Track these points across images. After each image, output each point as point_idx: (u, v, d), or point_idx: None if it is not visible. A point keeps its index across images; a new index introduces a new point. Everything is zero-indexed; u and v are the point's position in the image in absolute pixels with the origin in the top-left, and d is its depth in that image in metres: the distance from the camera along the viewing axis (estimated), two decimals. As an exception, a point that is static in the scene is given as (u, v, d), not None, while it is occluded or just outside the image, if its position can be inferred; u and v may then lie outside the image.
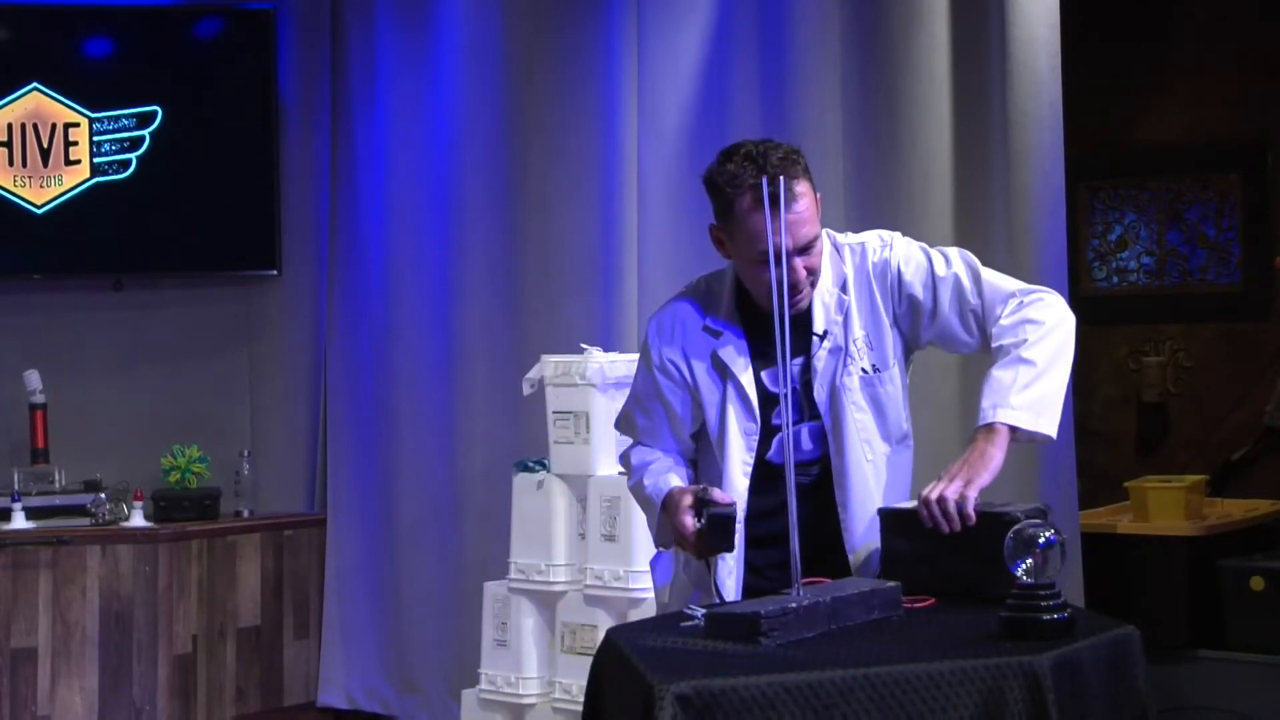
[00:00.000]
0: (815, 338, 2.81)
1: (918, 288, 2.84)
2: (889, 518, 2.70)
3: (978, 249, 4.31)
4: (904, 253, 2.87)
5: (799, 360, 2.81)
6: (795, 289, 2.71)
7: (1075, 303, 4.47)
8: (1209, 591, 4.34)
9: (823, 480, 2.83)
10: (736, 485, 2.80)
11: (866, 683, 2.11)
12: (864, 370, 2.83)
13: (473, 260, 5.07)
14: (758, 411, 2.80)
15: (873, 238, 2.91)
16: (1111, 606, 3.43)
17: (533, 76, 4.91)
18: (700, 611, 2.48)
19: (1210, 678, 4.24)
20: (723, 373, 2.81)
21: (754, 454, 2.81)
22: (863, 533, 2.79)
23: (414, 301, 5.20)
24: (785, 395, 2.55)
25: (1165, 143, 5.04)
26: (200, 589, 5.00)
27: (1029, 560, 2.30)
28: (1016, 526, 2.35)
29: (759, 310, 2.79)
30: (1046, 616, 2.26)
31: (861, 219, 4.39)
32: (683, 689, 2.08)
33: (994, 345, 2.77)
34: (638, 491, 2.90)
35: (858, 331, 2.84)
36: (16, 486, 5.02)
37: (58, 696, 4.82)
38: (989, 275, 2.84)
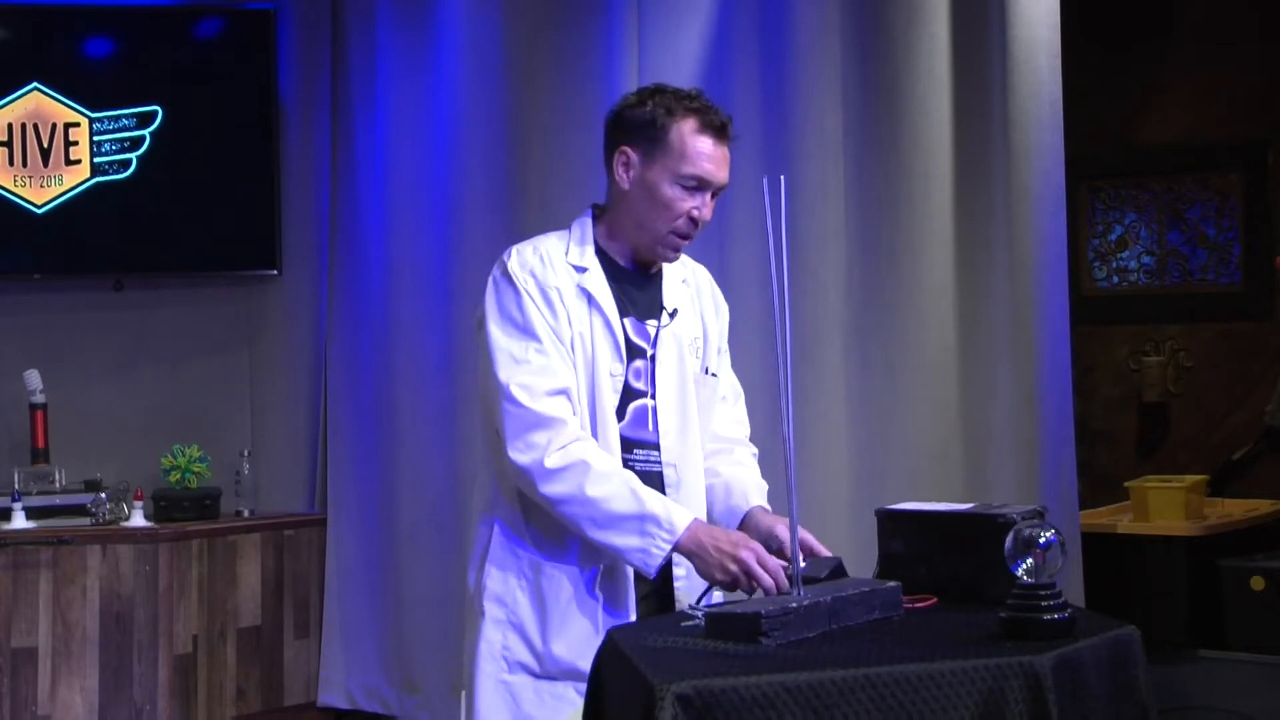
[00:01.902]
0: (665, 313, 2.86)
1: (724, 341, 3.02)
2: (886, 519, 2.70)
3: (978, 249, 4.35)
4: (726, 308, 3.04)
5: (652, 325, 2.84)
6: (685, 236, 2.79)
7: (1075, 302, 4.50)
8: (1209, 591, 4.34)
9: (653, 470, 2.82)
10: (610, 441, 2.74)
11: (867, 683, 2.11)
12: (703, 368, 2.94)
13: (473, 260, 5.07)
14: (624, 352, 2.79)
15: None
16: (1111, 606, 3.44)
17: (533, 76, 4.91)
18: (701, 611, 2.48)
19: (1210, 678, 4.24)
20: (589, 306, 2.78)
21: (618, 396, 2.77)
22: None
23: (414, 301, 5.20)
24: (785, 398, 2.55)
25: (1166, 143, 5.04)
26: (200, 589, 5.00)
27: (1029, 560, 2.30)
28: (1016, 527, 2.35)
29: (617, 265, 2.83)
30: (1047, 616, 2.26)
31: (862, 219, 4.40)
32: (683, 689, 2.08)
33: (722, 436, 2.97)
34: (616, 490, 2.65)
35: (696, 329, 2.92)
36: (17, 486, 5.02)
37: (58, 696, 4.82)
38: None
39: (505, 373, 2.70)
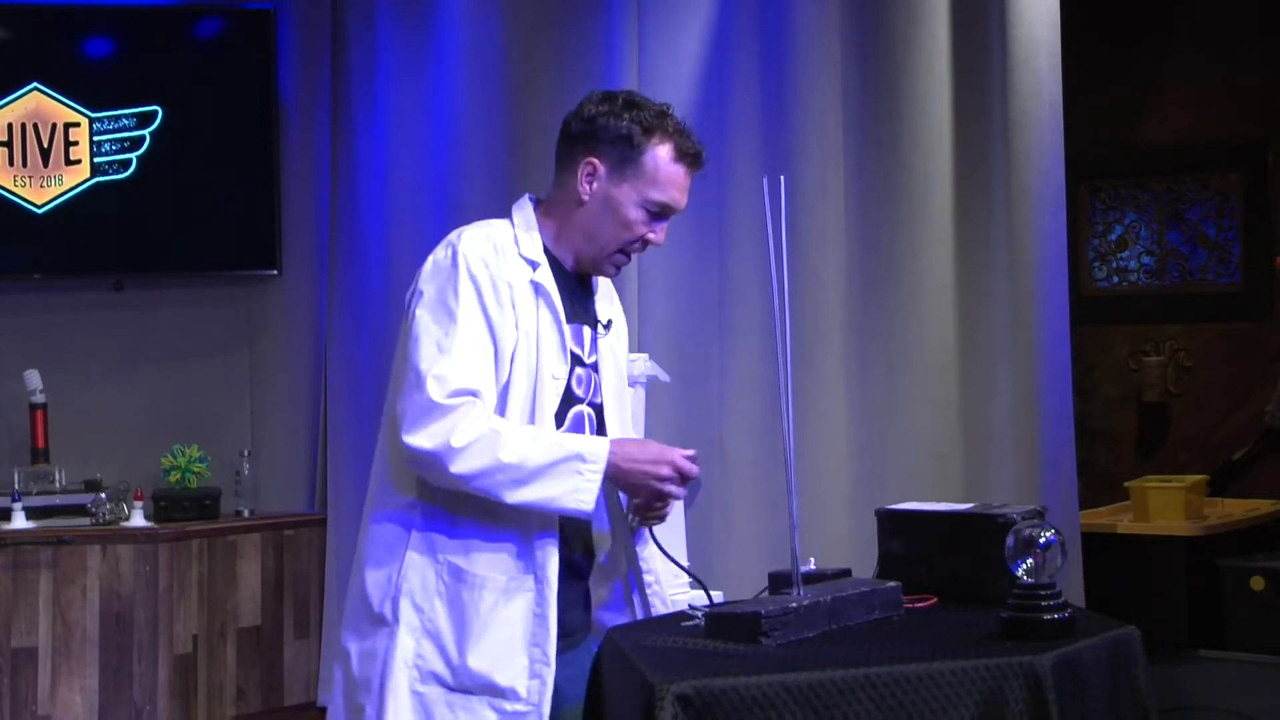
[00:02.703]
0: (600, 325, 2.82)
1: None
2: (886, 519, 2.70)
3: (978, 249, 4.35)
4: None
5: (591, 335, 2.80)
6: (629, 256, 2.75)
7: (1075, 302, 4.50)
8: (1209, 591, 4.34)
9: None
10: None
11: (867, 683, 2.11)
12: (629, 381, 2.95)
13: (473, 260, 5.07)
14: (568, 356, 2.72)
15: None
16: (1111, 606, 3.43)
17: (533, 76, 4.91)
18: (700, 611, 2.48)
19: (1210, 678, 4.24)
20: (538, 303, 2.69)
21: (558, 399, 2.69)
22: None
23: (414, 301, 5.19)
24: (785, 398, 2.55)
25: (1166, 143, 5.04)
26: (200, 589, 5.00)
27: (1029, 560, 2.30)
28: (1016, 527, 2.35)
29: (560, 266, 2.76)
30: (1047, 616, 2.26)
31: (862, 219, 4.40)
32: (683, 689, 2.08)
33: None
34: (531, 447, 2.57)
35: (623, 342, 2.89)
36: (17, 486, 5.01)
37: (58, 696, 4.82)
38: None
39: (426, 361, 2.59)
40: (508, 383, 2.64)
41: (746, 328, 4.42)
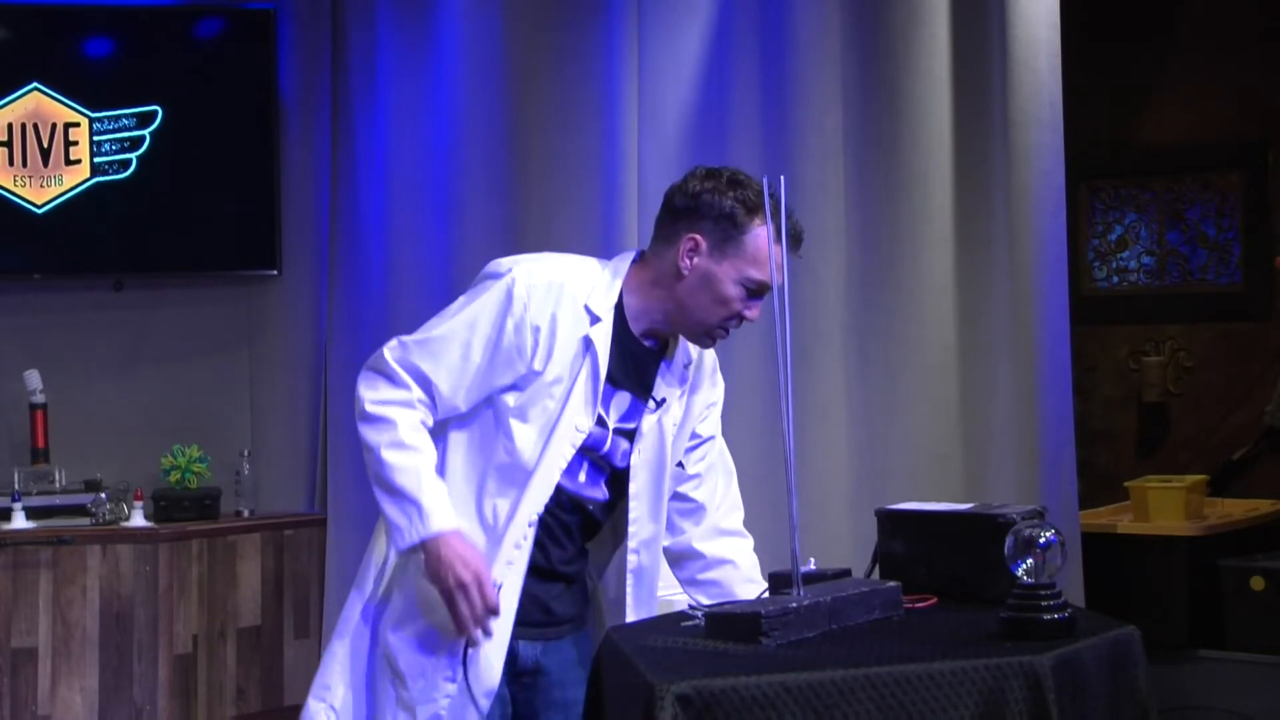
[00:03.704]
0: (653, 400, 2.80)
1: (713, 424, 3.01)
2: (886, 519, 2.70)
3: (978, 249, 4.35)
4: (721, 384, 3.00)
5: (631, 401, 2.79)
6: (727, 331, 2.79)
7: (1075, 302, 4.50)
8: (1209, 591, 4.34)
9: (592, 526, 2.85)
10: (547, 482, 2.72)
11: (867, 683, 2.11)
12: (679, 463, 2.91)
13: (473, 260, 5.06)
14: (594, 415, 2.73)
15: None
16: (1111, 606, 3.43)
17: (533, 76, 4.91)
18: (700, 611, 2.48)
19: (1210, 678, 4.24)
20: (583, 357, 2.72)
21: (573, 449, 2.73)
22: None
23: (414, 301, 5.19)
24: (785, 398, 2.55)
25: (1166, 142, 5.04)
26: (200, 589, 5.00)
27: (1029, 560, 2.30)
28: (1016, 527, 2.35)
29: (626, 326, 2.76)
30: (1047, 616, 2.26)
31: (862, 219, 4.40)
32: (683, 689, 2.08)
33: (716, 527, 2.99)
34: (406, 467, 2.69)
35: (678, 417, 2.86)
36: (16, 486, 5.01)
37: (58, 696, 4.82)
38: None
39: (413, 335, 2.75)
40: (523, 418, 2.70)
41: (746, 328, 4.40)
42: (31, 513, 4.95)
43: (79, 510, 5.03)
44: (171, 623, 4.89)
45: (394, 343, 2.77)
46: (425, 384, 2.72)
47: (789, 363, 2.49)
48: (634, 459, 2.79)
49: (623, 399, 2.78)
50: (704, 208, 2.72)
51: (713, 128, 4.57)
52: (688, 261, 2.72)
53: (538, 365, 2.68)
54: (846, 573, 2.63)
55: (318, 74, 5.43)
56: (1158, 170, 5.06)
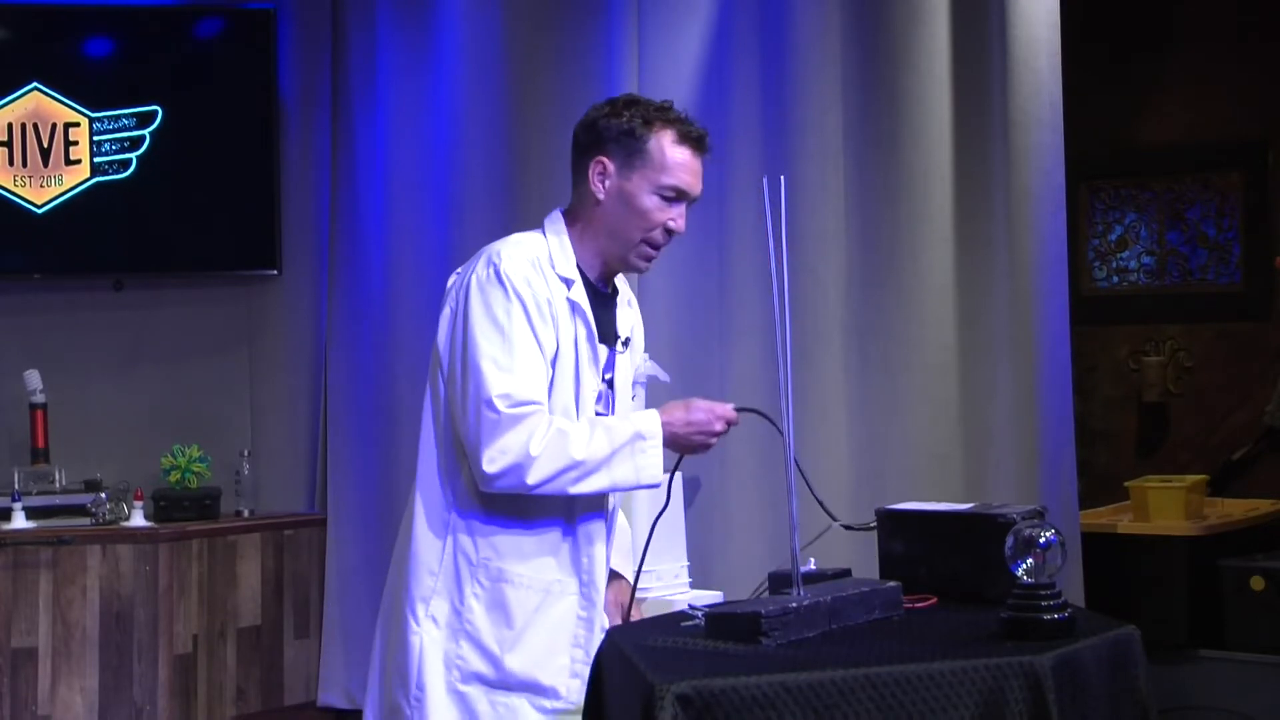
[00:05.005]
0: (620, 344, 2.89)
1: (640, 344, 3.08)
2: (886, 519, 2.70)
3: (978, 249, 4.35)
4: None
5: (609, 352, 2.88)
6: (658, 246, 2.82)
7: (1075, 302, 4.50)
8: (1209, 591, 4.34)
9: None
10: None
11: (867, 682, 2.11)
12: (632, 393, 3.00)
13: (473, 260, 5.07)
14: (600, 375, 2.83)
15: None
16: (1111, 606, 3.43)
17: (533, 77, 4.91)
18: (700, 611, 2.48)
19: (1210, 678, 4.24)
20: (575, 321, 2.79)
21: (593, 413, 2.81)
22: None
23: (414, 301, 5.20)
24: (785, 398, 2.54)
25: (1166, 142, 5.04)
26: (200, 589, 5.00)
27: (1029, 560, 2.30)
28: (1016, 527, 2.35)
29: (589, 280, 2.84)
30: (1047, 616, 2.26)
31: (862, 219, 4.40)
32: (683, 689, 2.08)
33: None
34: (594, 440, 2.69)
35: (639, 356, 2.99)
36: (17, 486, 5.01)
37: (58, 696, 4.82)
38: None
39: (490, 380, 2.67)
40: (550, 394, 2.74)
41: (746, 328, 4.42)
42: (31, 513, 4.95)
43: (79, 510, 5.03)
44: (171, 623, 4.89)
45: (485, 404, 2.68)
46: (541, 400, 2.71)
47: (789, 363, 2.49)
48: (617, 405, 2.89)
49: (603, 351, 2.86)
50: (604, 132, 2.81)
51: (713, 128, 4.54)
52: (600, 185, 2.81)
53: (552, 341, 2.74)
54: (847, 573, 2.63)
55: (318, 74, 5.43)
56: (1158, 170, 5.07)
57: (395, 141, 5.25)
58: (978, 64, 4.27)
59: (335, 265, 5.41)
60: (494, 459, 2.65)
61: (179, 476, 5.19)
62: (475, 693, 2.73)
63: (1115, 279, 5.16)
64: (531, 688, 2.72)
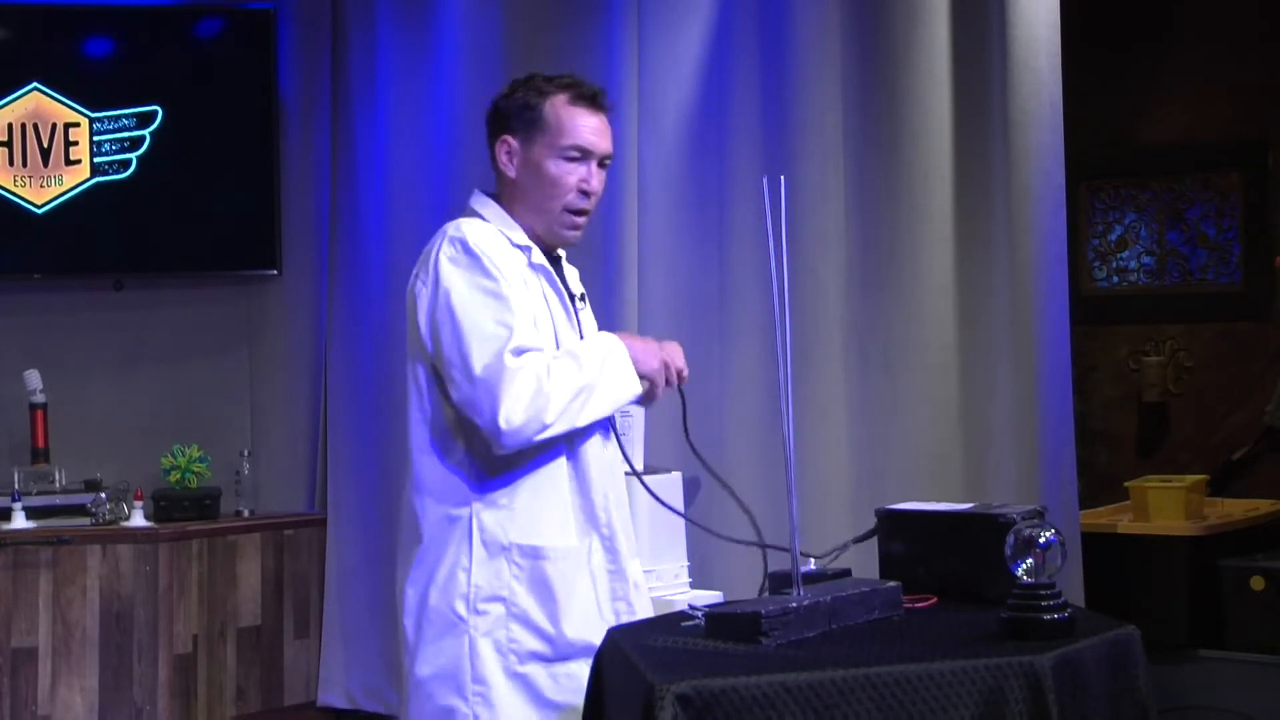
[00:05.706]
0: (576, 299, 2.94)
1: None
2: (886, 519, 2.70)
3: (978, 249, 4.34)
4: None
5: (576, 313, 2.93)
6: (580, 211, 2.85)
7: (1075, 302, 4.49)
8: (1209, 591, 4.34)
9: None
10: None
11: (867, 682, 2.11)
12: None
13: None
14: (578, 330, 2.88)
15: None
16: (1111, 606, 3.43)
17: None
18: (700, 611, 2.48)
19: (1210, 678, 4.24)
20: (543, 285, 2.84)
21: None
22: None
23: (414, 301, 5.19)
24: (785, 398, 2.54)
25: (1166, 142, 5.04)
26: (200, 589, 5.00)
27: (1029, 560, 2.30)
28: (1016, 527, 2.35)
29: (544, 254, 2.88)
30: (1047, 616, 2.26)
31: (862, 218, 4.40)
32: (683, 689, 2.08)
33: None
34: (584, 363, 2.72)
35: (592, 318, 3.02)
36: (16, 486, 5.02)
37: (58, 696, 4.82)
38: None
39: (490, 341, 2.66)
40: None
41: (746, 328, 4.42)
42: (31, 513, 4.96)
43: (79, 510, 5.03)
44: (171, 623, 4.89)
45: (498, 363, 2.67)
46: (541, 346, 2.73)
47: (789, 363, 2.49)
48: None
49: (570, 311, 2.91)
50: (504, 112, 2.89)
51: (713, 128, 4.57)
52: (509, 164, 2.88)
53: (527, 304, 2.76)
54: (846, 573, 2.63)
55: (318, 74, 5.43)
56: (1158, 170, 5.06)
57: (395, 141, 5.25)
58: (978, 64, 4.27)
59: (335, 265, 5.41)
60: (512, 408, 2.62)
61: (179, 476, 5.19)
62: (535, 670, 2.76)
63: (1115, 279, 5.15)
64: (587, 650, 2.71)
